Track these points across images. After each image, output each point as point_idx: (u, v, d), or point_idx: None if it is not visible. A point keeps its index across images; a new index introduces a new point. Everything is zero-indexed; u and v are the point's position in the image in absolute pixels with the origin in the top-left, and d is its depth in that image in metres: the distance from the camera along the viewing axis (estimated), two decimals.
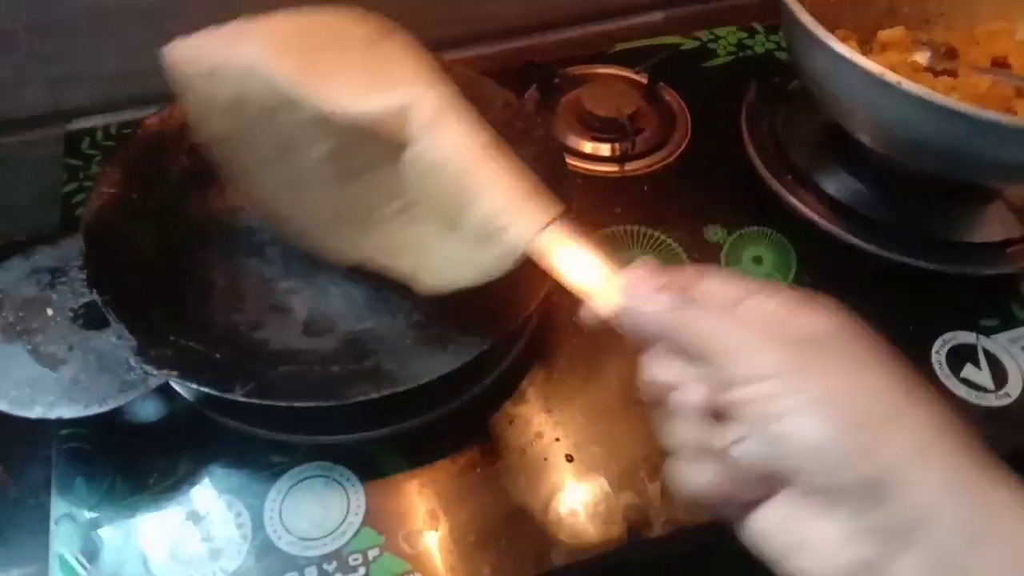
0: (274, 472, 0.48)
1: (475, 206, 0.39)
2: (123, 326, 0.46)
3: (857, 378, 0.29)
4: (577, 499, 0.48)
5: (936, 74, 0.62)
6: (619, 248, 0.60)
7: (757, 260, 0.60)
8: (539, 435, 0.50)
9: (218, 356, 0.46)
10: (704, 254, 0.60)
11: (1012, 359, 0.55)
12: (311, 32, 0.44)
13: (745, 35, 0.79)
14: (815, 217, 0.60)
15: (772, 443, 0.28)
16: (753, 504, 0.30)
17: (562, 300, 0.56)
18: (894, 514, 0.27)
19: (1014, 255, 0.60)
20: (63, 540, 0.45)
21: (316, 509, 0.46)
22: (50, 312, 0.48)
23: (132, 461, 0.48)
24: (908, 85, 0.48)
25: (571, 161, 0.65)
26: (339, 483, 0.47)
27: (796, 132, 0.66)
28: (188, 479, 0.47)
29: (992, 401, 0.53)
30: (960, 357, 0.55)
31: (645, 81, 0.73)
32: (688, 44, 0.78)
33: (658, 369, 0.32)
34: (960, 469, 0.27)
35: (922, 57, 0.65)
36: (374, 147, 0.41)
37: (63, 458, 0.48)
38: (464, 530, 0.46)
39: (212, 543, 0.45)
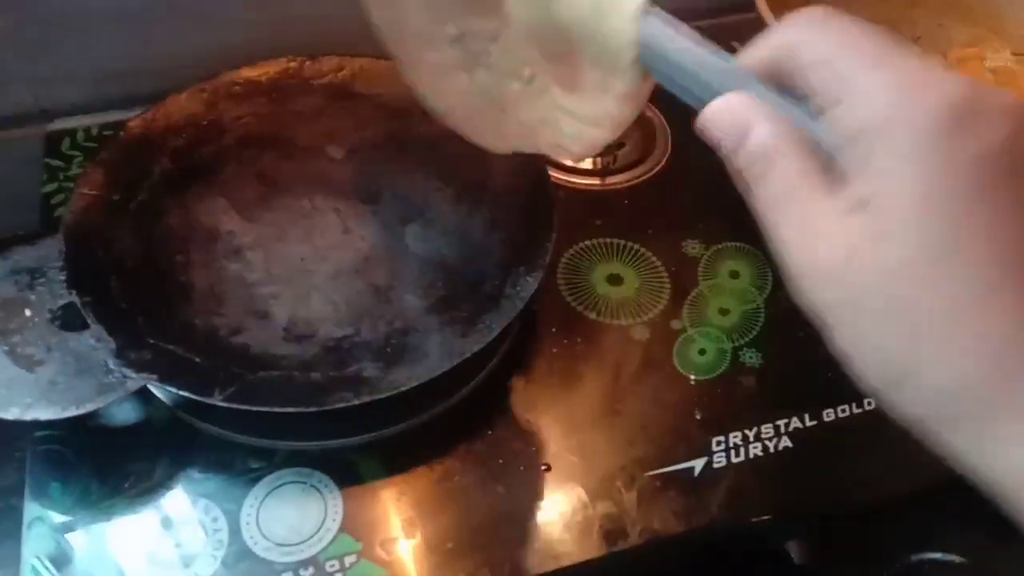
0: (252, 477, 0.48)
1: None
2: (102, 328, 0.46)
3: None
4: (554, 508, 0.48)
5: None
6: (599, 260, 0.61)
7: (734, 275, 0.61)
8: (517, 444, 0.50)
9: (197, 360, 0.46)
10: (682, 268, 0.61)
11: None
12: None
13: None
14: None
15: None
16: None
17: (542, 309, 0.56)
18: None
19: None
20: (35, 544, 0.44)
21: (293, 515, 0.46)
22: (28, 313, 0.47)
23: (108, 465, 0.47)
24: None
25: (553, 174, 0.65)
26: (317, 489, 0.47)
27: None
28: (165, 484, 0.47)
29: None
30: None
31: None
32: None
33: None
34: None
35: None
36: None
37: (38, 461, 0.47)
38: (441, 538, 0.46)
39: (187, 548, 0.45)
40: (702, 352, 0.56)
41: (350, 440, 0.49)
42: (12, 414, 0.43)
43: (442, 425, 0.51)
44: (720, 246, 0.63)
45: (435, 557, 0.46)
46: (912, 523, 0.54)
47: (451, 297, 0.52)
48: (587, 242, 0.62)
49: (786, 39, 0.27)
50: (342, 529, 0.46)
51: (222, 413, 0.45)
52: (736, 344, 0.57)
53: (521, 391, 0.53)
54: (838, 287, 0.25)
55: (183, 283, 0.51)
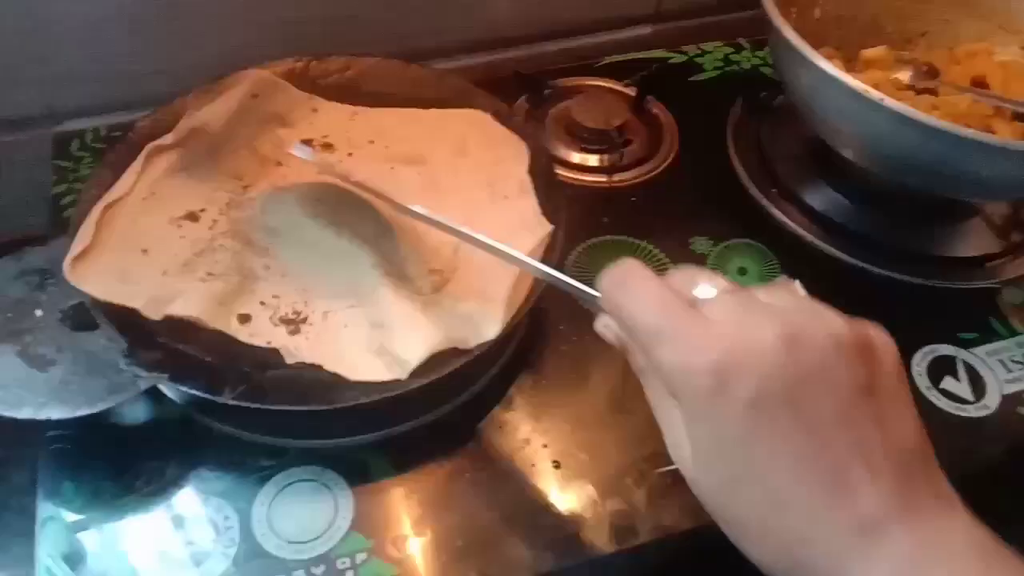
0: (263, 476, 0.48)
1: None
2: (112, 328, 0.46)
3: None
4: (564, 505, 0.48)
5: (918, 92, 0.64)
6: (607, 257, 0.61)
7: (742, 271, 0.61)
8: (527, 441, 0.50)
9: (208, 359, 0.46)
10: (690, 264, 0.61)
11: (990, 371, 0.56)
12: None
13: (732, 50, 0.81)
14: (799, 230, 0.61)
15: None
16: None
17: (551, 307, 0.56)
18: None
19: (993, 270, 0.61)
20: (48, 543, 0.45)
21: (304, 513, 0.46)
22: (39, 313, 0.48)
23: (120, 464, 0.48)
24: (891, 102, 0.50)
25: (560, 171, 0.65)
26: (327, 487, 0.47)
27: (781, 147, 0.67)
28: (176, 482, 0.47)
29: (971, 412, 0.54)
30: (940, 369, 0.56)
31: (633, 94, 0.74)
32: (676, 58, 0.79)
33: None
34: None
35: (904, 75, 0.66)
36: None
37: (50, 460, 0.48)
38: (451, 535, 0.46)
39: (199, 547, 0.45)
40: None
41: (360, 438, 0.49)
42: (24, 413, 0.44)
43: (452, 423, 0.51)
44: (728, 243, 0.63)
45: (445, 555, 0.46)
46: None
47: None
48: (595, 239, 0.62)
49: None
50: (353, 527, 0.46)
51: (233, 412, 0.45)
52: None
53: (530, 389, 0.53)
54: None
55: None
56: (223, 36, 0.66)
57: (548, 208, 0.54)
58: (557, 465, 0.50)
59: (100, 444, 0.48)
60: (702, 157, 0.69)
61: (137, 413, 0.47)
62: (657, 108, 0.74)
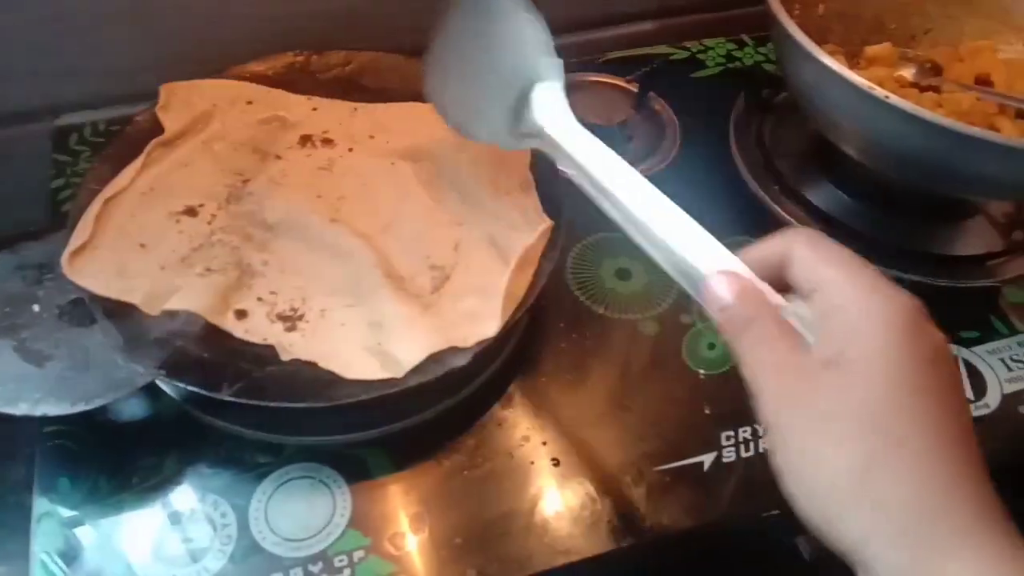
0: (260, 473, 0.48)
1: None
2: (110, 324, 0.46)
3: (834, 446, 0.29)
4: (563, 503, 0.48)
5: (921, 89, 0.63)
6: (608, 255, 0.61)
7: None
8: (526, 439, 0.50)
9: (206, 355, 0.46)
10: None
11: (991, 370, 0.56)
12: None
13: (734, 46, 0.80)
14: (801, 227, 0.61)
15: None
16: None
17: (550, 304, 0.56)
18: None
19: (994, 268, 0.61)
20: (44, 539, 0.44)
21: (302, 510, 0.46)
22: (36, 308, 0.47)
23: (117, 460, 0.48)
24: (894, 100, 0.49)
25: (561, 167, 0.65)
26: (325, 484, 0.47)
27: (783, 143, 0.67)
28: (173, 479, 0.47)
29: (972, 412, 0.54)
30: None
31: (635, 90, 0.73)
32: (678, 54, 0.79)
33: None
34: (919, 544, 0.28)
35: (908, 72, 0.66)
36: None
37: (46, 456, 0.47)
38: (450, 533, 0.46)
39: (196, 543, 0.45)
40: (711, 347, 0.56)
41: (358, 435, 0.49)
42: (21, 409, 0.43)
43: (451, 420, 0.50)
44: (728, 240, 0.61)
45: (444, 552, 0.46)
46: None
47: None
48: (595, 236, 0.62)
49: (782, 243, 0.34)
50: (351, 524, 0.46)
51: (230, 408, 0.45)
52: None
53: (529, 386, 0.53)
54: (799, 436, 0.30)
55: None
56: (223, 30, 0.66)
57: (549, 204, 0.54)
58: (556, 463, 0.49)
59: (97, 440, 0.48)
60: (704, 153, 0.69)
61: (134, 409, 0.47)
62: (659, 104, 0.73)
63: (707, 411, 0.52)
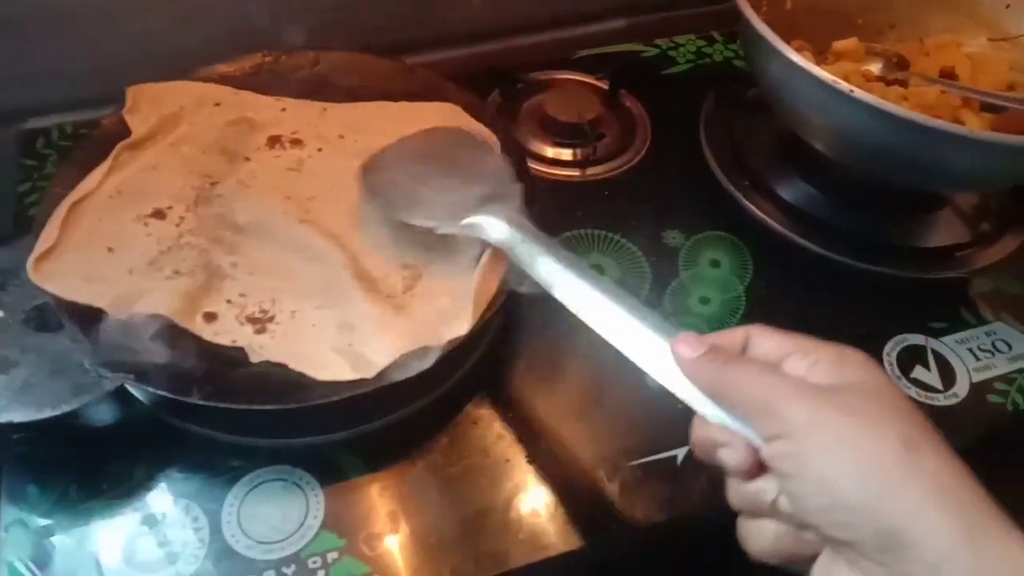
0: (232, 476, 0.47)
1: None
2: (77, 328, 0.45)
3: (872, 427, 0.30)
4: (538, 500, 0.48)
5: (888, 83, 0.64)
6: (581, 251, 0.61)
7: (715, 264, 0.61)
8: (500, 437, 0.50)
9: (175, 359, 0.45)
10: (663, 258, 0.61)
11: (960, 360, 0.57)
12: None
13: (704, 43, 0.81)
14: (771, 222, 0.61)
15: (793, 501, 0.30)
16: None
17: (524, 302, 0.56)
18: (912, 562, 0.28)
19: (962, 260, 0.61)
20: (13, 547, 0.44)
21: (274, 513, 0.46)
22: (1, 315, 0.47)
23: (86, 466, 0.47)
24: (859, 93, 0.50)
25: (533, 165, 0.65)
26: (298, 486, 0.47)
27: (753, 139, 0.68)
28: (144, 484, 0.47)
29: (941, 401, 0.54)
30: (910, 358, 0.56)
31: (606, 87, 0.74)
32: (648, 52, 0.79)
33: (704, 428, 0.34)
34: (971, 518, 0.28)
35: (875, 67, 0.66)
36: None
37: (14, 463, 0.47)
38: (425, 532, 0.46)
39: (168, 548, 0.44)
40: None
41: (331, 436, 0.49)
42: None
43: (424, 419, 0.50)
44: (700, 235, 0.63)
45: (420, 551, 0.45)
46: None
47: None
48: (568, 233, 0.62)
49: (741, 330, 0.35)
50: (324, 526, 0.46)
51: (201, 412, 0.44)
52: None
53: (504, 384, 0.53)
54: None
55: None
56: (193, 31, 0.65)
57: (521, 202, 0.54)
58: (531, 460, 0.49)
59: (66, 447, 0.47)
60: (675, 150, 0.69)
61: (103, 415, 0.47)
62: (630, 101, 0.74)
63: (680, 405, 0.52)
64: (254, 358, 0.45)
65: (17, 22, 0.61)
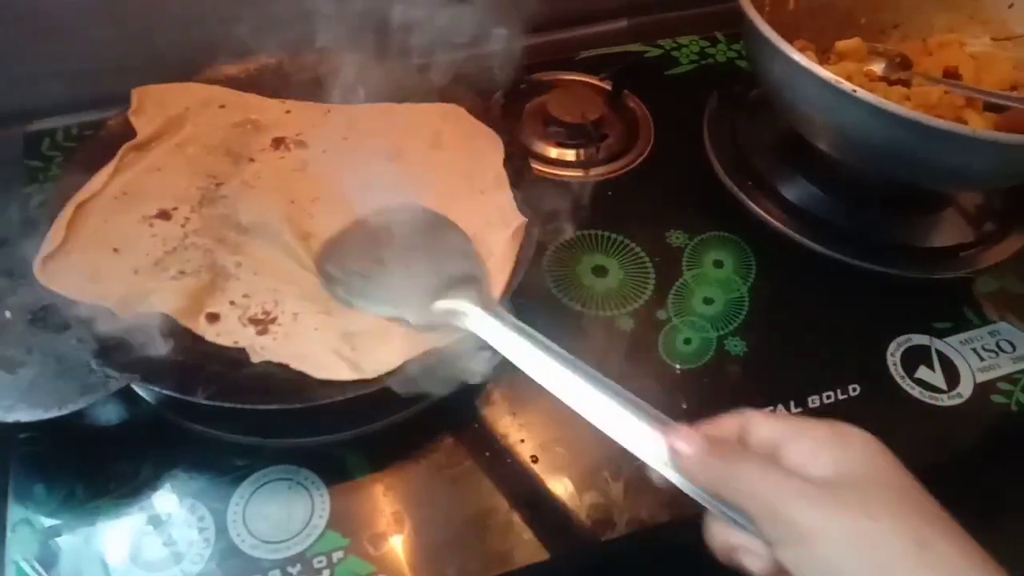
0: (238, 476, 0.47)
1: None
2: (83, 328, 0.45)
3: (884, 526, 0.29)
4: (542, 500, 0.48)
5: (890, 83, 0.64)
6: (584, 252, 0.61)
7: (718, 264, 0.61)
8: (504, 436, 0.50)
9: (180, 359, 0.45)
10: (666, 258, 0.61)
11: (964, 360, 0.57)
12: None
13: (707, 44, 0.81)
14: (774, 222, 0.61)
15: None
16: None
17: (527, 301, 0.56)
18: None
19: (966, 260, 0.61)
20: (20, 546, 0.44)
21: (280, 512, 0.46)
22: (8, 315, 0.47)
23: (93, 466, 0.47)
24: (862, 94, 0.50)
25: (536, 166, 0.65)
26: (303, 486, 0.47)
27: (756, 139, 0.68)
28: (150, 483, 0.47)
29: (944, 401, 0.54)
30: (914, 358, 0.56)
31: (609, 88, 0.74)
32: (652, 52, 0.79)
33: (719, 529, 0.34)
34: None
35: (877, 67, 0.66)
36: None
37: (21, 463, 0.47)
38: (429, 531, 0.46)
39: (174, 547, 0.45)
40: (687, 341, 0.56)
41: (336, 436, 0.49)
42: None
43: (429, 419, 0.50)
44: (704, 236, 0.63)
45: (424, 551, 0.46)
46: None
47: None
48: (572, 234, 0.62)
49: (736, 417, 0.35)
50: (329, 525, 0.46)
51: (206, 411, 0.45)
52: (721, 333, 0.57)
53: (507, 384, 0.53)
54: None
55: None
56: (196, 32, 0.65)
57: (525, 201, 0.54)
58: (535, 460, 0.50)
59: (72, 446, 0.47)
60: (678, 150, 0.69)
61: (109, 414, 0.47)
62: (633, 102, 0.74)
63: (684, 405, 0.53)
64: (255, 358, 0.45)
65: (18, 24, 0.61)
